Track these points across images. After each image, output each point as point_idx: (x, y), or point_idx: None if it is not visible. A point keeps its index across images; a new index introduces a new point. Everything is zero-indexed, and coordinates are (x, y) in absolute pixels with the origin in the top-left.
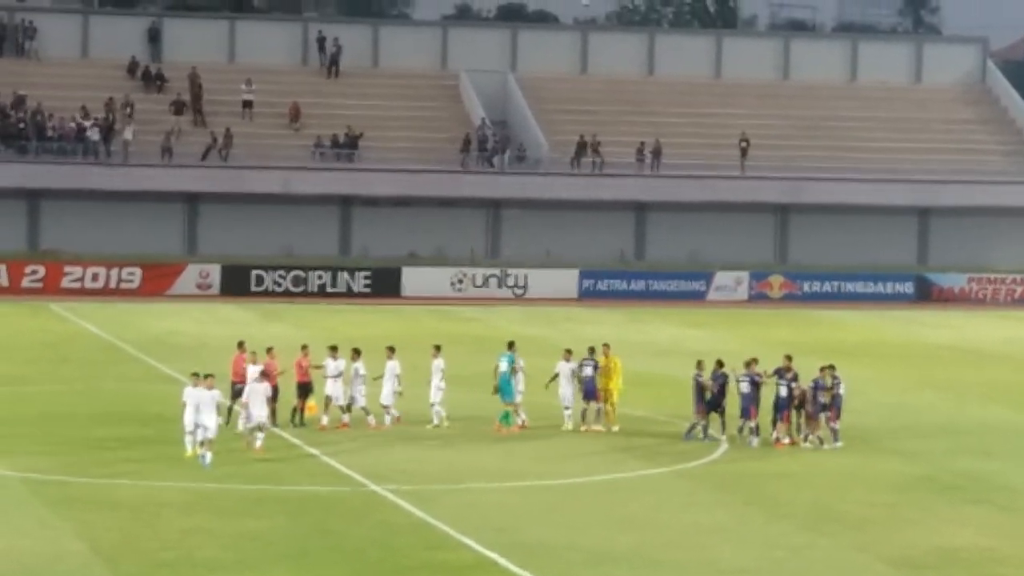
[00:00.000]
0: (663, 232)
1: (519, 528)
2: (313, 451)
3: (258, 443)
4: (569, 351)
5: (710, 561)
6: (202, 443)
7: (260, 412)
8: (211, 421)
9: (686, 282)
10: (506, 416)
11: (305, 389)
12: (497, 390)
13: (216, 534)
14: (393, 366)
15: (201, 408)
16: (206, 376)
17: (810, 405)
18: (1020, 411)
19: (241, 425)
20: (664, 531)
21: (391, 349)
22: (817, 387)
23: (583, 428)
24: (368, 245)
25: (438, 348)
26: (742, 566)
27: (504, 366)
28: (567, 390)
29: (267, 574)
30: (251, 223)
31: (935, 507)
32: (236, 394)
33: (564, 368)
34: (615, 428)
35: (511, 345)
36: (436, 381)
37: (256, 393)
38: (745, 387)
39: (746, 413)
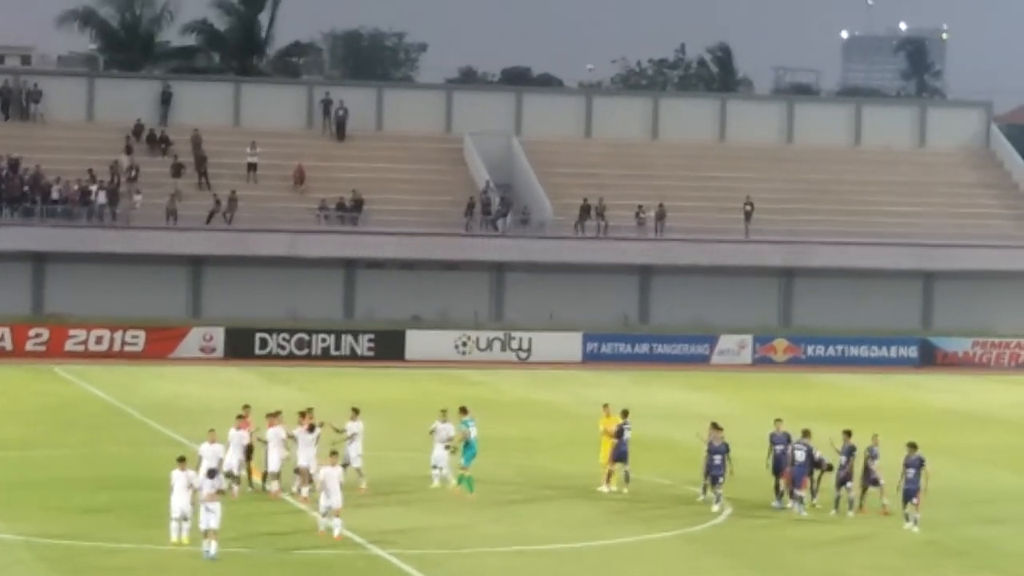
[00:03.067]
0: (667, 295)
1: None
2: (314, 514)
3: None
4: (444, 411)
5: None
6: (205, 533)
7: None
8: (214, 508)
9: (690, 345)
10: (469, 480)
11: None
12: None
13: None
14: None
15: (204, 494)
16: (211, 472)
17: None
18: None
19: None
20: None
21: (355, 410)
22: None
23: (607, 489)
24: (372, 308)
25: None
26: None
27: (472, 431)
28: (439, 451)
29: None
30: (255, 286)
31: (942, 573)
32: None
33: (440, 429)
34: (614, 489)
35: (464, 410)
36: (440, 444)
37: (235, 441)
38: (800, 456)
39: (798, 482)
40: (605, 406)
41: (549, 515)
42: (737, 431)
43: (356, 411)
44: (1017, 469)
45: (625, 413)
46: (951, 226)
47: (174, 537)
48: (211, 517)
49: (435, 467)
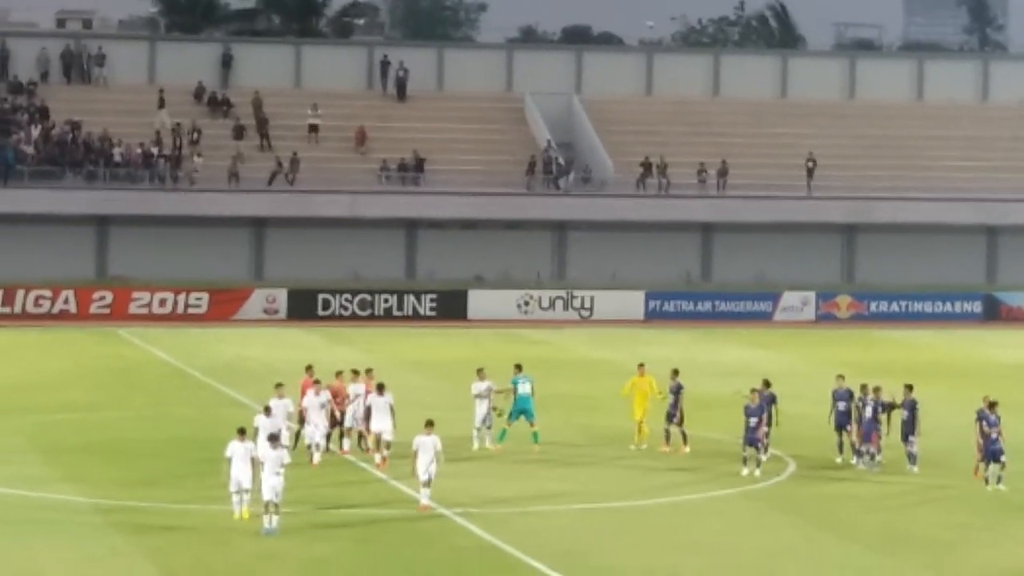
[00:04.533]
0: (729, 253)
1: (587, 552)
2: (380, 475)
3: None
4: (481, 369)
5: None
6: (266, 506)
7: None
8: (273, 481)
9: (752, 303)
10: (534, 436)
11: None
12: (517, 413)
13: (286, 559)
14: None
15: (266, 467)
16: (271, 436)
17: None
18: None
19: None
20: (732, 554)
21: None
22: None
23: (665, 450)
24: (434, 268)
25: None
26: None
27: (526, 388)
28: (480, 412)
29: None
30: (317, 247)
31: (1008, 528)
32: (302, 419)
33: (477, 388)
34: (643, 446)
35: (520, 367)
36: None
37: (313, 408)
38: (868, 412)
39: (867, 437)
40: (640, 365)
41: (613, 473)
42: (800, 387)
43: (480, 371)
44: None
45: (676, 372)
46: (1015, 180)
47: (236, 512)
48: (272, 489)
49: (477, 428)
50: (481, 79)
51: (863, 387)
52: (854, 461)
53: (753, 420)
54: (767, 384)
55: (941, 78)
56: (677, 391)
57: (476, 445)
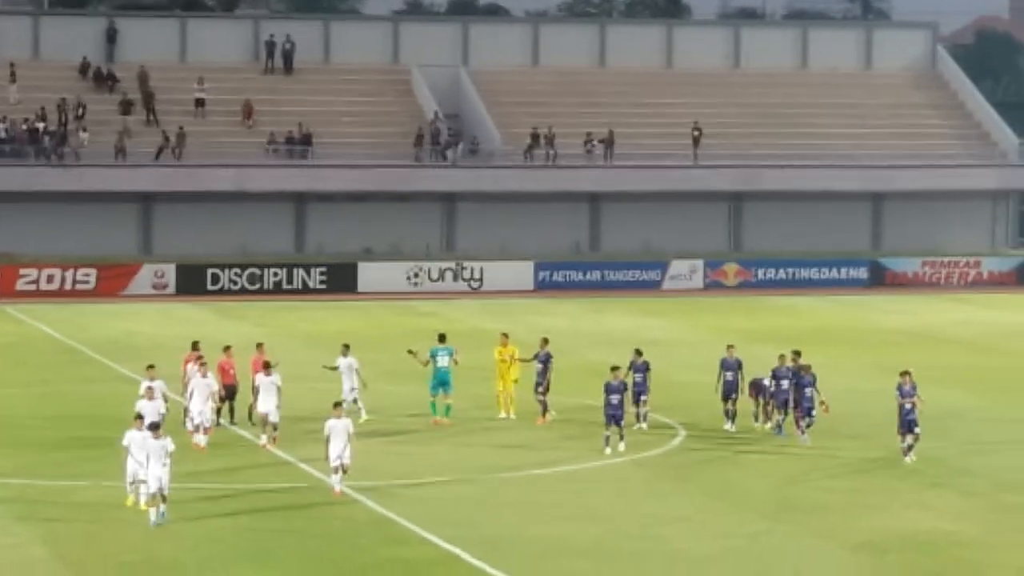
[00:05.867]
0: (617, 222)
1: (479, 522)
2: (271, 449)
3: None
4: (347, 345)
5: (670, 551)
6: (154, 497)
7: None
8: (159, 471)
9: (641, 272)
10: (446, 408)
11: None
12: (437, 384)
13: (178, 535)
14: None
15: (151, 457)
16: (151, 425)
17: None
18: (976, 394)
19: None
20: (623, 521)
21: (346, 346)
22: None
23: (506, 416)
24: (323, 241)
25: (347, 347)
26: (702, 555)
27: (444, 360)
28: (346, 385)
29: (231, 574)
30: (206, 222)
31: (895, 492)
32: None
33: (341, 363)
34: (512, 416)
35: (443, 338)
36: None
37: (199, 390)
38: (785, 383)
39: (784, 407)
40: (503, 335)
41: (504, 442)
42: (689, 355)
43: (347, 347)
44: (966, 387)
45: (545, 341)
46: (898, 147)
47: (131, 500)
48: (158, 479)
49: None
50: (368, 52)
51: (781, 356)
52: (769, 427)
53: (615, 397)
54: (639, 353)
55: (825, 46)
56: (546, 360)
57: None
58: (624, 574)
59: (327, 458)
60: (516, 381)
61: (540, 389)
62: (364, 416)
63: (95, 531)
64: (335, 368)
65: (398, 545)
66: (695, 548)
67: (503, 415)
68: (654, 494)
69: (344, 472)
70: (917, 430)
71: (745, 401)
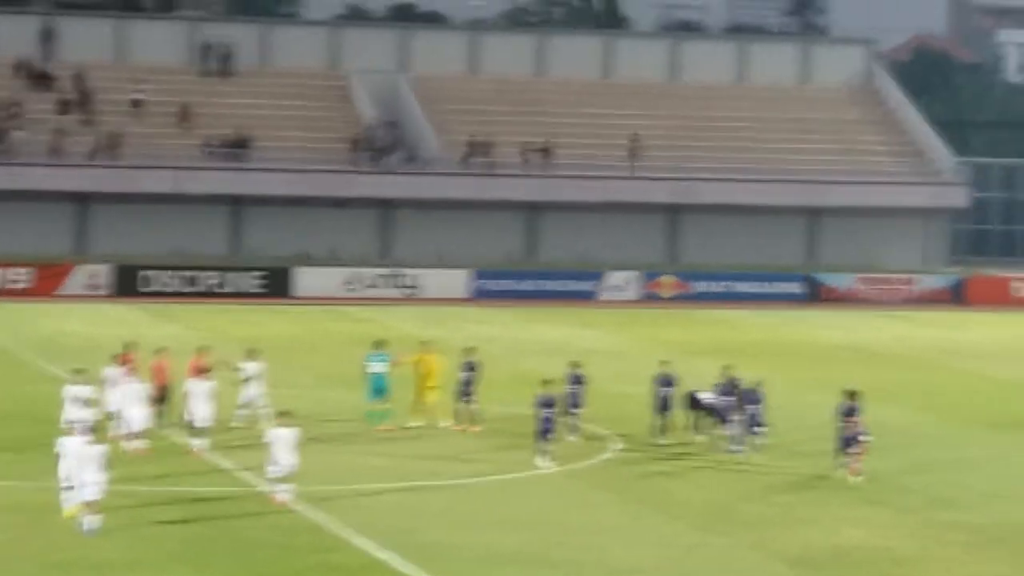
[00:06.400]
0: (554, 232)
1: (412, 529)
2: (203, 454)
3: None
4: (252, 350)
5: (603, 560)
6: (89, 505)
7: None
8: (94, 476)
9: (577, 282)
10: (383, 415)
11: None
12: (374, 391)
13: (110, 535)
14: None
15: (85, 465)
16: (85, 429)
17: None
18: (912, 410)
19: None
20: (557, 530)
21: (252, 351)
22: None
23: (456, 427)
24: (260, 245)
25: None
26: (635, 565)
27: (378, 367)
28: (248, 391)
29: (162, 575)
30: (141, 223)
31: (831, 507)
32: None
33: (247, 368)
34: (444, 423)
35: (380, 344)
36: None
37: (133, 396)
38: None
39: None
40: (423, 343)
41: (436, 451)
42: (624, 367)
43: (253, 351)
44: (902, 403)
45: (471, 350)
46: (836, 162)
47: (65, 508)
48: (94, 486)
49: (241, 407)
50: (306, 56)
51: (725, 368)
52: (733, 448)
53: (547, 411)
54: (575, 365)
55: (764, 61)
56: (470, 368)
57: (241, 423)
58: None
59: (270, 466)
60: (434, 388)
61: (467, 398)
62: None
63: (24, 531)
64: (239, 370)
65: (329, 551)
66: (629, 558)
67: (414, 424)
68: (588, 504)
69: (286, 480)
70: (857, 448)
71: (679, 415)
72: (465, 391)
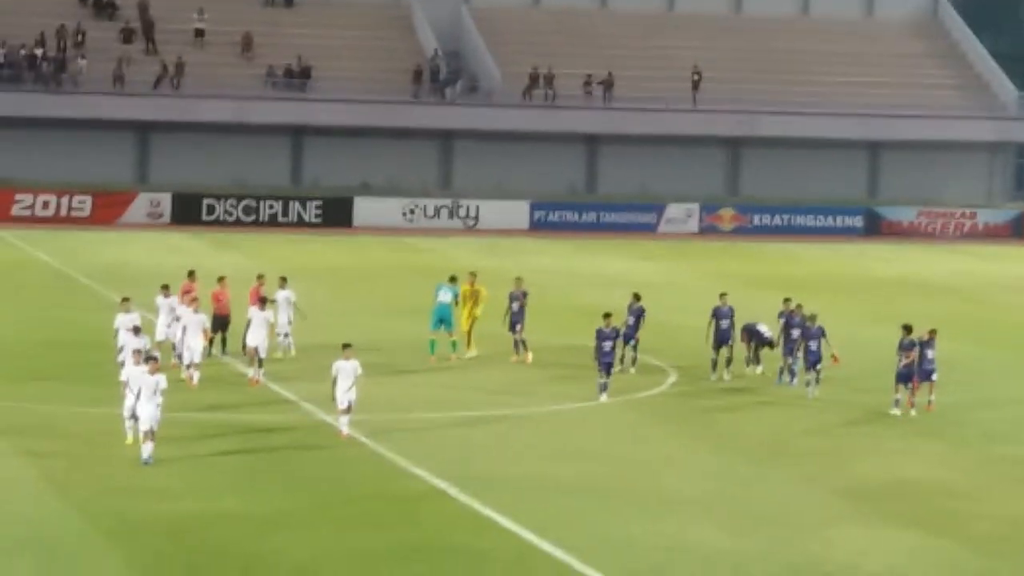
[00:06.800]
0: (615, 165)
1: (469, 459)
2: (260, 383)
3: (192, 378)
4: (284, 278)
5: (657, 491)
6: (145, 435)
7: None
8: (154, 410)
9: (637, 214)
10: (453, 345)
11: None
12: (436, 322)
13: (167, 462)
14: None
15: (143, 394)
16: (147, 358)
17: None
18: (968, 344)
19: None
20: (612, 462)
21: (283, 279)
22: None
23: (514, 359)
24: (320, 175)
25: (284, 280)
26: (690, 497)
27: (446, 297)
28: (282, 318)
29: (219, 501)
30: (203, 152)
31: (887, 440)
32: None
33: (279, 296)
34: (469, 354)
35: (453, 279)
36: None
37: (191, 327)
38: (796, 332)
39: (791, 353)
40: (471, 274)
41: (493, 381)
42: (683, 299)
43: (284, 279)
44: (960, 337)
45: (519, 280)
46: (898, 96)
47: (128, 437)
48: (150, 418)
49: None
50: None
51: (786, 301)
52: (786, 381)
53: (607, 344)
54: (637, 297)
55: None
56: (521, 299)
57: (279, 353)
58: (612, 513)
59: (333, 399)
60: (476, 318)
61: (517, 328)
62: (293, 352)
63: (84, 456)
64: (272, 301)
65: (388, 479)
66: (684, 490)
67: (470, 354)
68: (644, 436)
69: (350, 413)
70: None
71: (738, 347)
72: (515, 322)
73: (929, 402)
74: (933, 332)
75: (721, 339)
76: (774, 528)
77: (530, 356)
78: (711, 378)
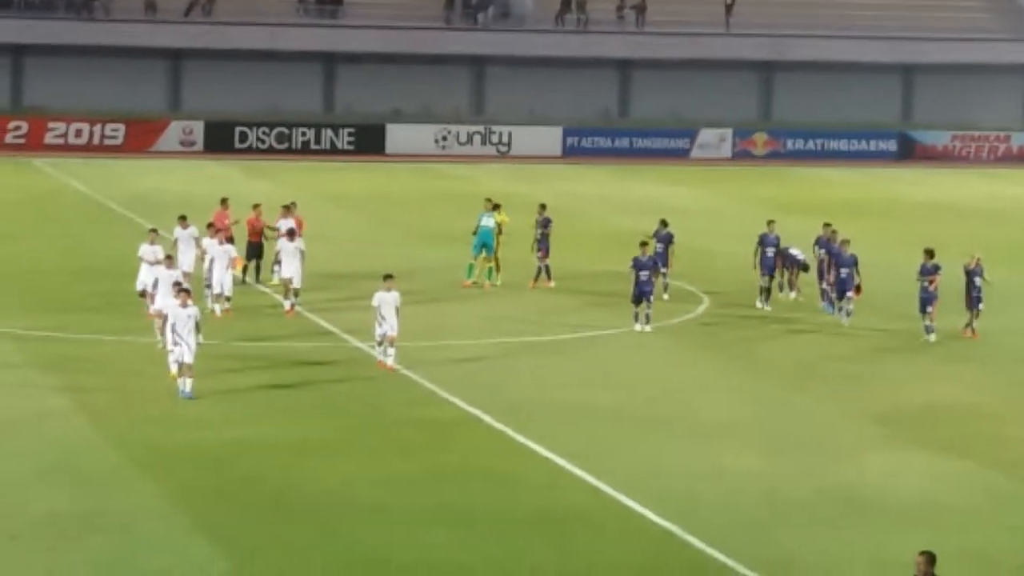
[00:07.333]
0: (647, 90)
1: (501, 385)
2: (296, 312)
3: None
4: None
5: (692, 417)
6: (181, 368)
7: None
8: (191, 341)
9: (670, 140)
10: (489, 272)
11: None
12: (478, 246)
13: (201, 390)
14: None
15: (178, 327)
16: (181, 290)
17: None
18: (1003, 269)
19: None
20: (646, 388)
21: (286, 207)
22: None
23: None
24: (352, 102)
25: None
26: (724, 422)
27: (489, 222)
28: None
29: (252, 430)
30: (235, 80)
31: (919, 364)
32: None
33: (281, 224)
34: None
35: (497, 207)
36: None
37: (218, 258)
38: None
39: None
40: (487, 200)
41: (527, 307)
42: (716, 224)
43: (288, 208)
44: (993, 261)
45: (543, 207)
46: (932, 19)
47: (173, 370)
48: (187, 350)
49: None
50: None
51: (826, 226)
52: (824, 307)
53: (644, 274)
54: (664, 224)
55: None
56: (546, 225)
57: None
58: (646, 439)
59: (375, 330)
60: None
61: (540, 254)
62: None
63: (118, 385)
64: (275, 229)
65: (421, 406)
66: (718, 415)
67: (486, 283)
68: (676, 361)
69: (391, 345)
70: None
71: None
72: (540, 247)
73: (973, 330)
74: (979, 259)
75: (767, 266)
76: (806, 453)
77: (552, 283)
78: (757, 305)
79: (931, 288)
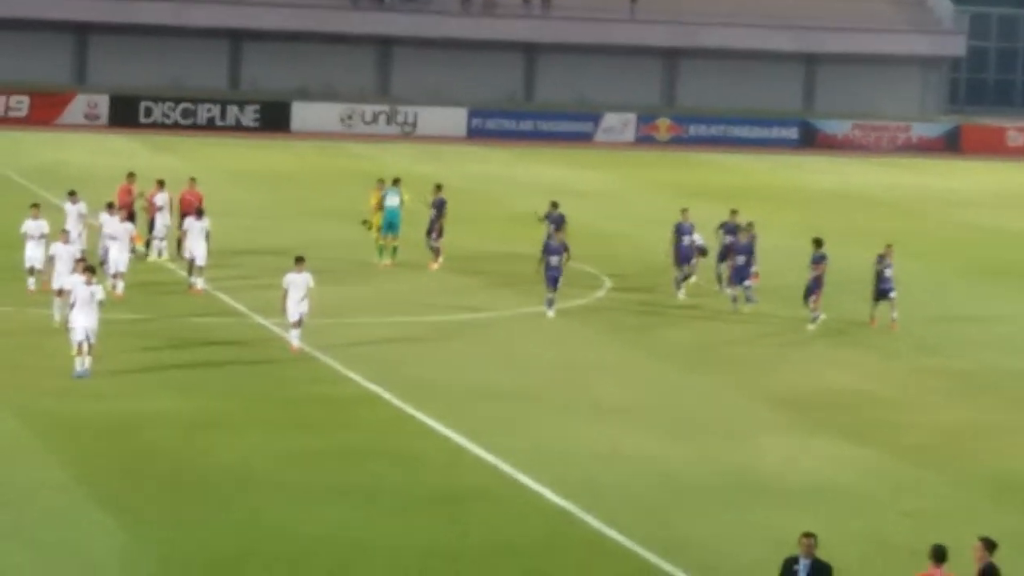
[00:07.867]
0: (552, 73)
1: (402, 363)
2: (201, 284)
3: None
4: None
5: (591, 398)
6: (79, 347)
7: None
8: (90, 320)
9: (574, 123)
10: (393, 250)
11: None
12: (386, 226)
13: (102, 366)
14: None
15: (80, 304)
16: (86, 268)
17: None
18: (903, 258)
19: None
20: (546, 369)
21: (160, 182)
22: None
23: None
24: (258, 79)
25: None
26: (623, 404)
27: (394, 201)
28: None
29: (153, 404)
30: (141, 54)
31: (817, 350)
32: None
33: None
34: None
35: (396, 181)
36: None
37: (120, 235)
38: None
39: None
40: (379, 181)
41: (431, 288)
42: (618, 208)
43: (163, 183)
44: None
45: (439, 187)
46: (834, 9)
47: (74, 349)
48: (84, 328)
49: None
50: None
51: (733, 212)
52: (727, 291)
53: (554, 259)
54: (555, 205)
55: None
56: (440, 206)
57: (153, 255)
58: (546, 419)
59: (283, 312)
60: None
61: (433, 235)
62: (165, 256)
63: (18, 357)
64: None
65: (323, 383)
66: (617, 397)
67: (386, 262)
68: (577, 343)
69: (300, 326)
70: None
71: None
72: (430, 230)
73: (893, 320)
74: (889, 248)
75: (684, 256)
76: (705, 436)
77: (435, 265)
78: (678, 296)
79: (814, 276)
